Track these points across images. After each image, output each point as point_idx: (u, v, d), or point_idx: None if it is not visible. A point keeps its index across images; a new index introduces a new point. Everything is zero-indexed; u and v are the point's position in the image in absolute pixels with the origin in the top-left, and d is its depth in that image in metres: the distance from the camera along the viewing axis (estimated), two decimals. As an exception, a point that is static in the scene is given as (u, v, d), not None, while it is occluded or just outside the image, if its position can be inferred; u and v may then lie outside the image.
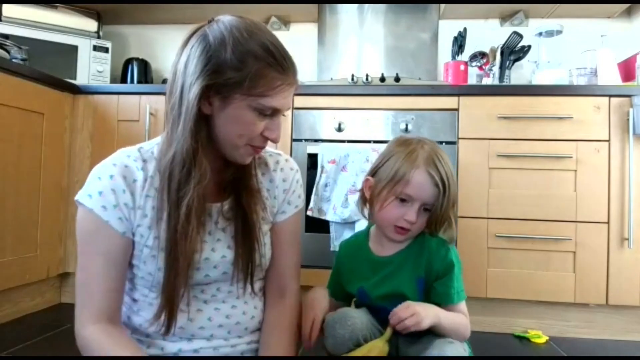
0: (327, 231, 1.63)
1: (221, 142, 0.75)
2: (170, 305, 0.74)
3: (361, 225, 1.55)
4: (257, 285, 0.87)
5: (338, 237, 1.62)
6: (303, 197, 0.94)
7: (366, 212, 0.95)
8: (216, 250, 0.80)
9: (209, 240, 0.80)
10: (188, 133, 0.70)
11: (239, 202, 0.80)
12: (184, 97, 0.70)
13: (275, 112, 0.74)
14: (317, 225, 1.63)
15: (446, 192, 0.84)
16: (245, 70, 0.69)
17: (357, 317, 0.85)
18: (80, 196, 0.74)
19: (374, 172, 0.92)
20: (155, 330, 0.78)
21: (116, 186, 0.74)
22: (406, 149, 0.87)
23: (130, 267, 0.79)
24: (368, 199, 0.93)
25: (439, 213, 0.85)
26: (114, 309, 0.76)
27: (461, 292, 0.87)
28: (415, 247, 0.90)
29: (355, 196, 1.56)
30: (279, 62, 0.71)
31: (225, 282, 0.82)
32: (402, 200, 0.86)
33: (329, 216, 1.61)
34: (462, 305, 0.88)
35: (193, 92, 0.69)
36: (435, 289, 0.87)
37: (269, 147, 0.92)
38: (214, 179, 0.81)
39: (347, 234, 1.60)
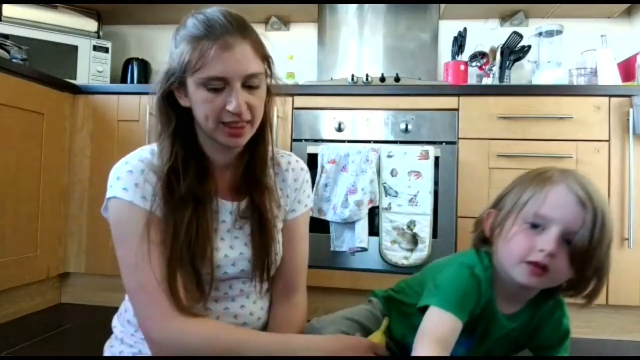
0: (327, 231, 1.63)
1: (202, 129, 0.76)
2: (174, 286, 0.72)
3: (361, 225, 1.55)
4: (266, 285, 0.88)
5: (338, 237, 1.62)
6: (312, 196, 0.96)
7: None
8: (234, 248, 0.81)
9: (227, 238, 0.81)
10: (157, 120, 0.77)
11: (254, 201, 0.82)
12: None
13: (227, 83, 0.71)
14: (317, 225, 1.63)
15: (597, 218, 0.62)
16: (180, 51, 0.71)
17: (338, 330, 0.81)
18: (116, 192, 0.73)
19: (495, 204, 0.74)
20: None
21: (150, 179, 0.75)
22: (536, 172, 0.70)
23: None
24: (488, 236, 0.73)
25: (586, 250, 0.62)
26: (181, 296, 0.72)
27: None
28: (542, 311, 0.74)
29: (355, 196, 1.57)
30: (206, 29, 0.70)
31: (238, 280, 0.82)
32: (534, 227, 0.65)
33: (329, 216, 1.61)
34: None
35: (158, 84, 0.75)
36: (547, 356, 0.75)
37: (281, 149, 0.95)
38: (227, 178, 0.84)
39: (347, 234, 1.60)
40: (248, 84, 0.73)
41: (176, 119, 0.76)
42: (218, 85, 0.71)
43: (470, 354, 0.76)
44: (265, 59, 0.77)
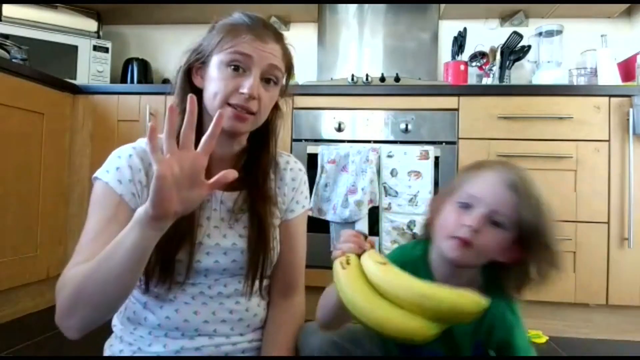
0: (327, 231, 1.63)
1: (209, 110, 0.78)
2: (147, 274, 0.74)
3: (361, 225, 1.55)
4: (263, 283, 0.87)
5: (338, 237, 1.61)
6: (309, 198, 0.98)
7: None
8: (227, 237, 0.82)
9: (221, 227, 0.82)
10: (175, 95, 0.81)
11: (252, 200, 0.83)
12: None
13: (249, 66, 0.75)
14: (317, 225, 1.63)
15: (528, 203, 0.65)
16: (217, 33, 0.78)
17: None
18: (99, 173, 0.78)
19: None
20: (160, 323, 0.79)
21: (133, 164, 0.78)
22: (478, 161, 0.74)
23: None
24: (430, 220, 0.76)
25: (523, 237, 0.66)
26: None
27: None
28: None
29: (355, 196, 1.57)
30: (248, 22, 0.77)
31: (233, 278, 0.82)
32: (465, 207, 0.68)
33: (329, 216, 1.61)
34: None
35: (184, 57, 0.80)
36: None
37: (280, 149, 0.94)
38: (226, 168, 0.83)
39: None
40: (266, 76, 0.77)
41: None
42: (241, 64, 0.75)
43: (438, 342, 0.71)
44: (288, 67, 0.82)
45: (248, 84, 0.74)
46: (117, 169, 0.77)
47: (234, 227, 0.83)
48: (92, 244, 0.70)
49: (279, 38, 0.80)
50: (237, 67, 0.75)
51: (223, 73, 0.75)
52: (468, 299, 0.55)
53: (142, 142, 0.81)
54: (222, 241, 0.81)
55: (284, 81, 0.83)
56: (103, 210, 0.75)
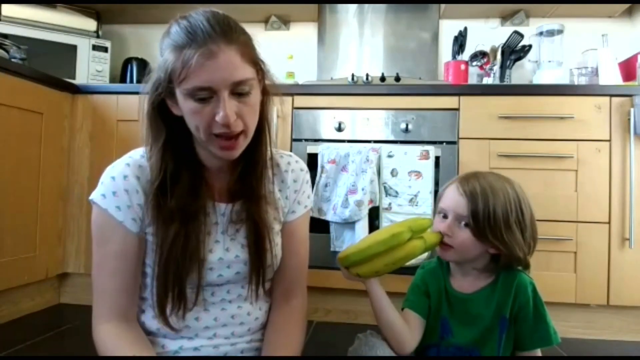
0: (327, 231, 1.63)
1: (197, 139, 0.75)
2: (161, 304, 0.75)
3: (361, 225, 1.54)
4: (266, 286, 0.87)
5: (338, 237, 1.61)
6: (312, 197, 0.95)
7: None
8: (230, 250, 0.80)
9: (222, 240, 0.81)
10: (147, 132, 0.76)
11: (249, 205, 0.81)
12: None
13: (214, 92, 0.67)
14: (317, 225, 1.62)
15: (477, 204, 0.80)
16: (165, 60, 0.69)
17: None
18: (95, 196, 0.76)
19: None
20: (159, 328, 0.79)
21: (130, 187, 0.75)
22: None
23: (142, 265, 0.79)
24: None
25: (481, 230, 0.80)
26: (128, 307, 0.78)
27: (555, 335, 0.86)
28: (501, 284, 0.86)
29: (356, 196, 1.56)
30: (188, 37, 0.66)
31: (236, 284, 0.82)
32: (444, 217, 0.86)
33: (329, 216, 1.61)
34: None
35: (147, 94, 0.74)
36: (527, 330, 0.84)
37: (281, 149, 0.94)
38: (222, 181, 0.83)
39: (347, 234, 1.59)
40: (237, 91, 0.69)
41: (167, 129, 0.75)
42: (205, 95, 0.67)
43: (457, 331, 0.87)
44: (255, 62, 0.72)
45: (220, 116, 0.67)
46: (113, 193, 0.74)
47: (236, 238, 0.81)
48: (111, 292, 0.76)
49: (229, 37, 0.67)
50: (203, 98, 0.68)
51: (191, 106, 0.68)
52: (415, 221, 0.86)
53: (138, 156, 0.78)
54: (225, 255, 0.80)
55: (258, 77, 0.74)
56: (108, 243, 0.76)
